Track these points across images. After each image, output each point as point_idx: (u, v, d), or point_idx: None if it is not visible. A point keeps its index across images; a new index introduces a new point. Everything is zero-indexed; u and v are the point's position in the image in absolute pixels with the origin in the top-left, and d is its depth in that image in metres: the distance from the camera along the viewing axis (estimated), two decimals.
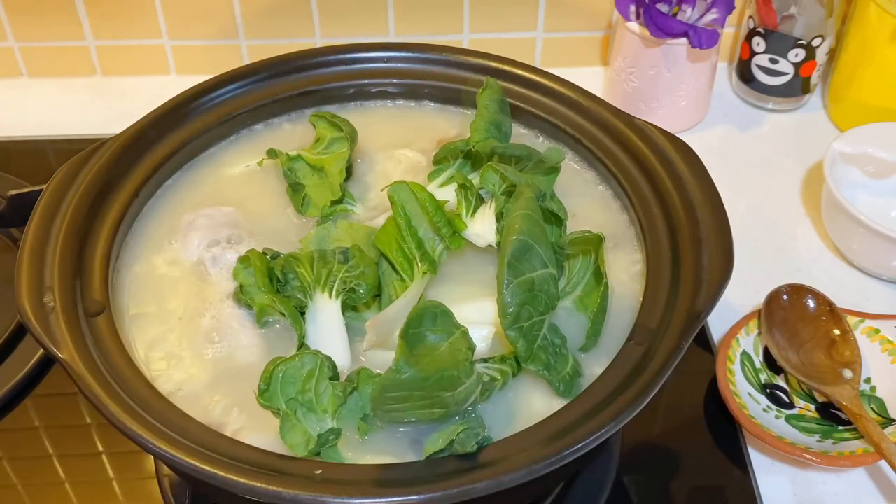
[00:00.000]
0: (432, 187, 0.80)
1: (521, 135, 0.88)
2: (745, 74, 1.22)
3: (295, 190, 0.81)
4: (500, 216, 0.73)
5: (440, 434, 0.61)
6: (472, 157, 0.80)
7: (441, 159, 0.81)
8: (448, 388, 0.61)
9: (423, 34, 1.24)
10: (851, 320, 0.89)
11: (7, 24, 1.22)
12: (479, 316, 0.72)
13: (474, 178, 0.78)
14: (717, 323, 0.94)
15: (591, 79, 1.26)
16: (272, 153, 0.83)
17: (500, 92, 0.83)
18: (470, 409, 0.65)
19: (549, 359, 0.66)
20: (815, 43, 1.14)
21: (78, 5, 1.20)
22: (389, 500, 0.57)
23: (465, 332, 0.64)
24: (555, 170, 0.80)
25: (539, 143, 0.87)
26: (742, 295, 0.98)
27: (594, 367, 0.68)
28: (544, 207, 0.72)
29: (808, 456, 0.79)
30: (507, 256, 0.64)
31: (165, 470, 0.83)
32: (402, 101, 0.92)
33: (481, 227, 0.74)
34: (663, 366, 0.64)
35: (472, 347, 0.64)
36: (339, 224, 0.75)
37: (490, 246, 0.74)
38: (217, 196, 0.83)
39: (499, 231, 0.73)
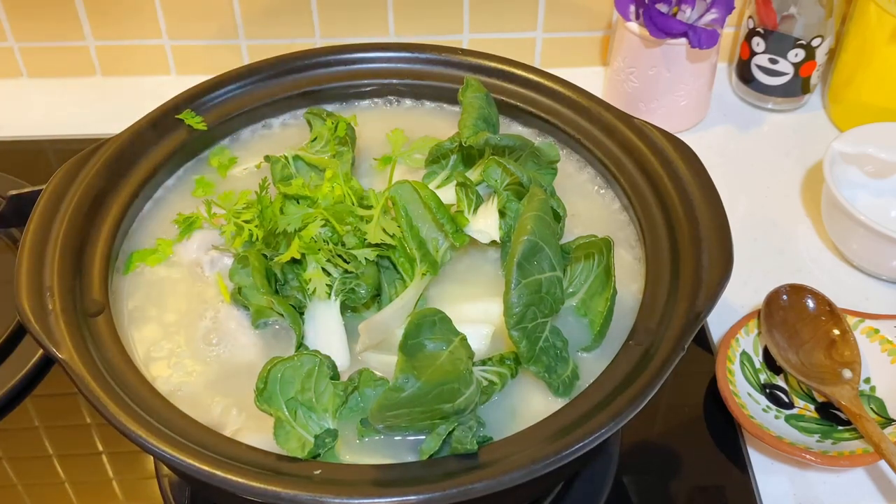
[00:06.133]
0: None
1: (521, 134, 0.87)
2: (744, 74, 1.22)
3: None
4: (502, 212, 0.73)
5: (432, 436, 0.61)
6: (464, 155, 0.80)
7: (433, 161, 0.81)
8: (448, 401, 0.61)
9: (422, 34, 1.24)
10: (851, 320, 0.89)
11: (7, 25, 1.22)
12: (479, 315, 0.72)
13: (471, 176, 0.78)
14: (717, 323, 0.94)
15: (591, 79, 1.26)
16: (269, 159, 0.83)
17: (483, 88, 0.83)
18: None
19: (551, 361, 0.66)
20: (814, 43, 1.14)
21: (78, 5, 1.20)
22: (389, 500, 0.57)
23: (464, 339, 0.64)
24: (553, 169, 0.80)
25: (539, 142, 0.87)
26: (742, 295, 0.98)
27: (594, 367, 0.68)
28: None
29: (808, 456, 0.79)
30: (516, 256, 0.64)
31: (165, 470, 0.83)
32: (401, 101, 0.92)
33: (484, 223, 0.74)
34: (663, 366, 0.64)
35: (471, 356, 0.64)
36: None
37: (493, 243, 0.74)
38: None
39: (502, 227, 0.73)
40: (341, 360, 0.68)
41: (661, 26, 1.08)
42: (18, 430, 0.87)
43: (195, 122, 0.84)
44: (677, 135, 0.81)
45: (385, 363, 0.68)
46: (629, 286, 0.75)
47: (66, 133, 1.20)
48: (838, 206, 0.96)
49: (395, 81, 0.91)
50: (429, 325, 0.62)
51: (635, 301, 0.72)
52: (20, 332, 0.92)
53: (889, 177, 1.05)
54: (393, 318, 0.69)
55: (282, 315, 0.70)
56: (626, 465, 0.84)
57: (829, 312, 0.89)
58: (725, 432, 0.87)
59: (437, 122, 0.90)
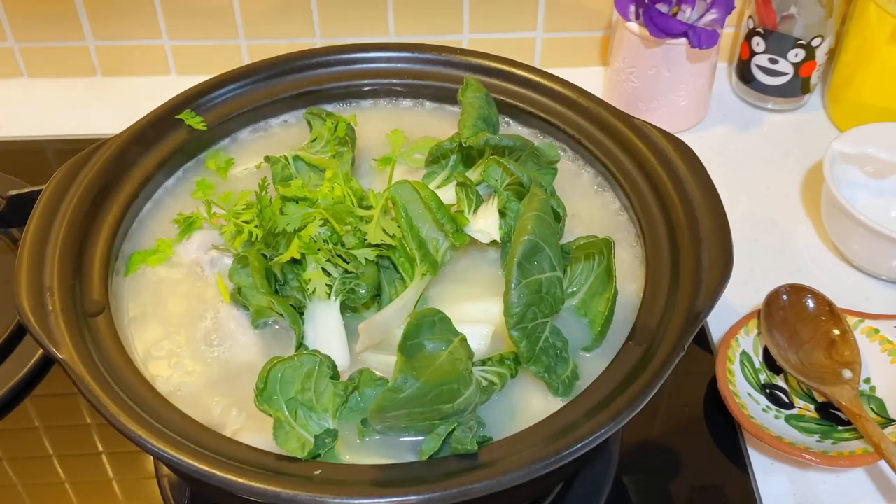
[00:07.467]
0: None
1: (521, 134, 0.87)
2: (744, 74, 1.22)
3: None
4: (503, 212, 0.73)
5: (432, 436, 0.61)
6: (464, 155, 0.80)
7: (433, 161, 0.81)
8: (447, 401, 0.61)
9: (422, 34, 1.24)
10: (851, 320, 0.89)
11: (7, 25, 1.22)
12: (479, 315, 0.72)
13: (471, 176, 0.78)
14: (717, 323, 0.94)
15: (591, 79, 1.26)
16: (269, 160, 0.83)
17: (483, 88, 0.83)
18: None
19: (551, 361, 0.66)
20: (814, 43, 1.14)
21: (78, 5, 1.20)
22: (389, 500, 0.57)
23: (464, 339, 0.64)
24: (553, 169, 0.80)
25: (539, 142, 0.87)
26: (742, 295, 0.98)
27: (594, 367, 0.68)
28: None
29: (808, 456, 0.79)
30: (516, 256, 0.64)
31: (165, 470, 0.83)
32: (401, 101, 0.92)
33: (484, 223, 0.74)
34: (663, 366, 0.64)
35: (471, 356, 0.64)
36: None
37: (493, 243, 0.74)
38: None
39: (502, 227, 0.73)
40: (341, 360, 0.68)
41: (661, 26, 1.08)
42: (18, 430, 0.87)
43: (195, 122, 0.84)
44: (677, 135, 0.81)
45: (385, 363, 0.68)
46: (629, 286, 0.75)
47: (66, 133, 1.20)
48: (838, 206, 0.96)
49: (395, 81, 0.91)
50: (428, 326, 0.62)
51: (635, 301, 0.72)
52: (20, 332, 0.92)
53: (889, 177, 1.05)
54: (393, 318, 0.69)
55: (282, 315, 0.70)
56: (626, 465, 0.84)
57: (829, 312, 0.89)
58: (725, 432, 0.87)
59: (437, 122, 0.90)
